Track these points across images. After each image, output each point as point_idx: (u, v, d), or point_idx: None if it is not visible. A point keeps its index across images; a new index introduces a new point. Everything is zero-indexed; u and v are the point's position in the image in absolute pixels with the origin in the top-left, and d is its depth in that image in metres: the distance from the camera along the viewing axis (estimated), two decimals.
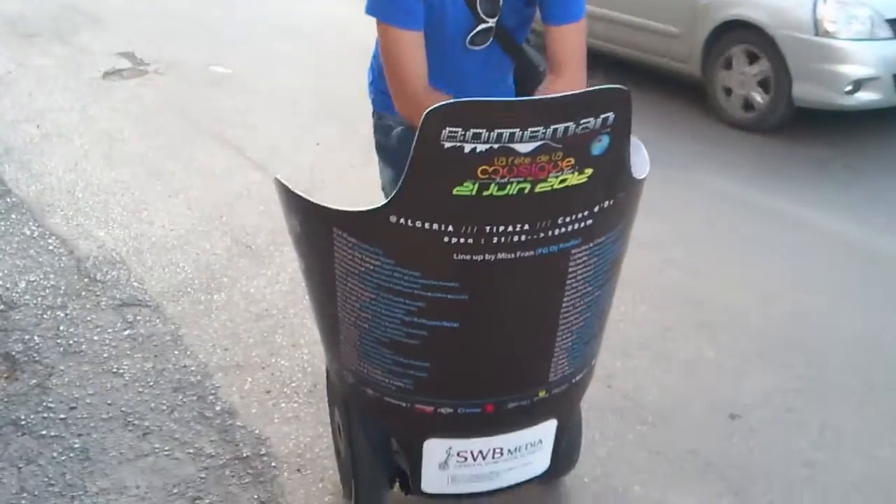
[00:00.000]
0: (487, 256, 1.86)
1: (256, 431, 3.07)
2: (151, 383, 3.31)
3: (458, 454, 2.26)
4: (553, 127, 1.71)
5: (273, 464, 2.92)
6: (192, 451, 2.97)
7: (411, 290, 1.92)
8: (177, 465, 2.90)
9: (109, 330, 3.65)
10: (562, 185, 1.80)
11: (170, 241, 4.42)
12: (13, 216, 4.62)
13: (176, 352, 3.51)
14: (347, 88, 6.50)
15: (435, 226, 1.81)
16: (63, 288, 3.96)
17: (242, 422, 3.11)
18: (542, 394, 2.21)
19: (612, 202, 1.94)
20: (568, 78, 2.29)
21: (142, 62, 7.28)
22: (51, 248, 4.32)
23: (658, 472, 2.94)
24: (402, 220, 1.82)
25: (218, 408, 3.18)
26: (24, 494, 2.76)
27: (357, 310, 2.04)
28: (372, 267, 1.92)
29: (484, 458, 2.27)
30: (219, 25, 8.46)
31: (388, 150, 2.53)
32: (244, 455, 2.95)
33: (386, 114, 2.49)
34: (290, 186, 2.07)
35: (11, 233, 4.44)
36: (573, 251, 1.94)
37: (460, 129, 1.67)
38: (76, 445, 2.98)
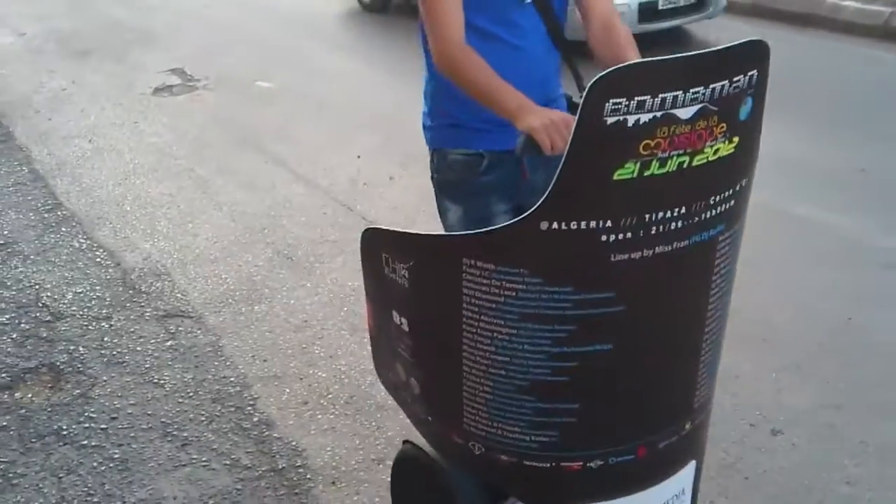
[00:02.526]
0: (646, 252, 1.61)
1: (293, 443, 3.02)
2: (191, 394, 3.28)
3: None
4: (712, 86, 1.51)
5: (308, 476, 2.87)
6: (228, 462, 2.93)
7: (561, 312, 1.65)
8: (214, 475, 2.87)
9: (152, 341, 3.63)
10: (715, 157, 1.58)
11: (213, 253, 4.41)
12: (63, 229, 4.64)
13: (216, 363, 3.48)
14: (386, 99, 6.52)
15: (593, 223, 1.56)
16: (109, 299, 3.95)
17: (279, 433, 3.07)
18: (687, 426, 1.92)
19: (748, 179, 1.72)
20: (620, 27, 2.22)
21: (191, 78, 7.30)
22: (98, 260, 4.32)
23: (700, 489, 2.83)
24: (554, 225, 1.57)
25: (255, 419, 3.14)
26: None
27: (491, 355, 1.75)
28: (513, 293, 1.66)
29: None
30: (266, 39, 8.48)
31: (454, 185, 2.34)
32: (280, 467, 2.90)
33: (448, 148, 2.32)
34: (397, 230, 1.88)
35: (61, 245, 4.46)
36: (720, 239, 1.71)
37: (625, 100, 1.45)
38: (116, 455, 2.96)
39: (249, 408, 3.21)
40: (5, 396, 3.27)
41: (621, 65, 1.51)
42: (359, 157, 5.62)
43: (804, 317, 3.79)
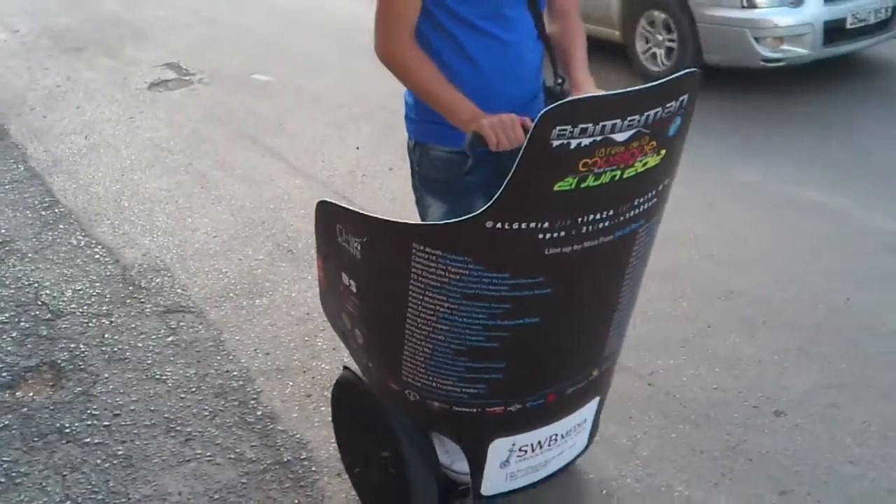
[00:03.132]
0: (575, 247, 1.84)
1: (297, 436, 3.01)
2: (194, 389, 3.26)
3: (519, 449, 2.23)
4: (646, 114, 1.73)
5: (313, 468, 2.86)
6: (233, 456, 2.91)
7: (498, 294, 1.88)
8: (218, 470, 2.85)
9: (153, 336, 3.61)
10: (643, 168, 1.82)
11: (213, 248, 4.39)
12: (61, 226, 4.61)
13: (218, 357, 3.47)
14: (384, 90, 6.47)
15: (532, 224, 1.78)
16: (108, 296, 3.94)
17: (283, 426, 3.06)
18: (595, 373, 2.23)
19: (670, 179, 1.98)
20: (576, 20, 2.37)
21: (186, 72, 7.27)
22: (97, 257, 4.30)
23: (702, 471, 2.83)
24: (498, 225, 1.79)
25: (259, 412, 3.13)
26: (68, 502, 2.73)
27: (432, 323, 1.97)
28: (457, 276, 1.87)
29: (542, 447, 2.27)
30: (260, 32, 8.44)
31: (438, 182, 2.36)
32: (285, 459, 2.89)
33: (432, 144, 2.33)
34: (353, 209, 2.05)
35: (59, 243, 4.44)
36: (639, 231, 1.96)
37: (570, 127, 1.66)
38: (119, 452, 2.94)
39: (253, 401, 3.19)
40: (6, 395, 3.25)
41: (569, 99, 1.80)
42: (357, 148, 5.60)
43: (805, 299, 3.78)
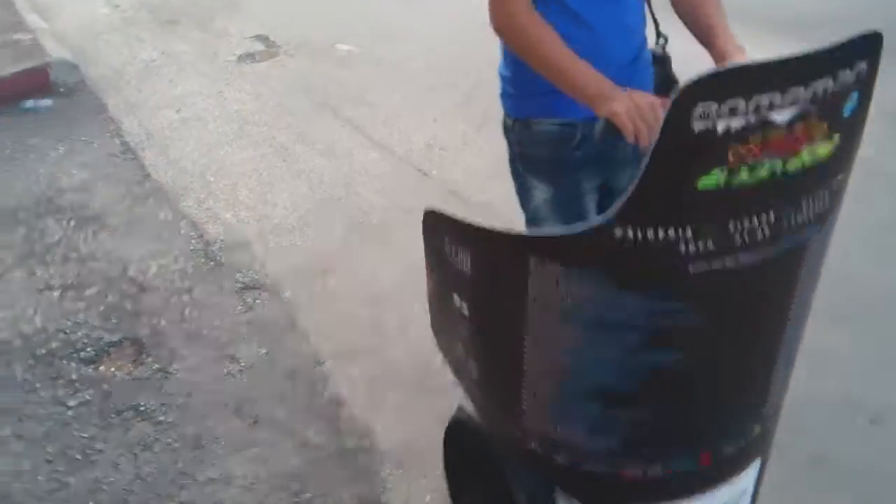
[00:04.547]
0: (728, 263, 1.44)
1: (362, 422, 2.94)
2: (265, 370, 3.21)
3: None
4: (813, 87, 1.34)
5: (377, 457, 2.78)
6: (298, 441, 2.86)
7: (634, 321, 1.51)
8: (282, 455, 2.81)
9: (230, 314, 3.58)
10: (812, 159, 1.41)
11: (291, 223, 4.33)
12: (150, 201, 4.61)
13: (290, 337, 3.41)
14: (464, 59, 6.32)
15: (671, 233, 1.40)
16: (191, 271, 3.92)
17: (349, 412, 2.99)
18: (757, 430, 1.79)
19: (846, 174, 1.54)
20: None
21: (273, 44, 7.20)
22: (182, 231, 4.29)
23: (784, 480, 2.62)
24: (629, 234, 1.41)
25: (326, 396, 3.07)
26: (138, 481, 2.72)
27: (555, 356, 1.62)
28: (584, 298, 1.52)
29: None
30: (346, 2, 8.31)
31: (543, 160, 2.07)
32: (348, 447, 2.83)
33: (535, 118, 2.04)
34: (460, 219, 1.69)
35: (148, 217, 4.44)
36: (809, 242, 1.53)
37: (715, 104, 1.30)
38: (190, 433, 2.92)
39: (320, 385, 3.13)
40: (90, 370, 3.25)
41: (713, 69, 1.32)
42: (435, 120, 5.46)
43: None
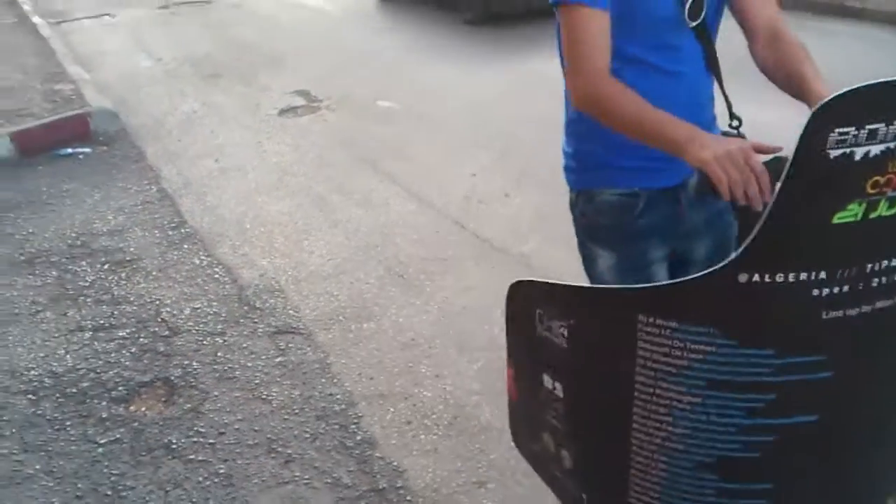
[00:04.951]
0: (864, 308, 1.33)
1: (394, 463, 2.95)
2: (297, 411, 3.25)
3: None
4: None
5: (409, 497, 2.80)
6: (330, 480, 2.88)
7: (758, 379, 1.38)
8: (314, 494, 2.82)
9: (263, 357, 3.63)
10: None
11: (326, 270, 4.40)
12: (185, 246, 4.72)
13: (323, 380, 3.45)
14: (503, 116, 6.44)
15: (804, 275, 1.29)
16: (224, 315, 3.98)
17: (381, 452, 3.01)
18: (890, 501, 1.67)
19: None
20: (790, 35, 1.93)
21: (315, 99, 7.39)
22: (216, 276, 4.37)
23: None
24: (756, 277, 1.30)
25: (359, 437, 3.09)
26: None
27: (667, 427, 1.48)
28: (700, 357, 1.39)
29: None
30: (390, 58, 8.51)
31: (605, 228, 2.08)
32: (380, 487, 2.84)
33: (597, 189, 2.05)
34: (556, 282, 1.61)
35: (182, 262, 4.53)
36: None
37: (853, 129, 1.20)
38: (221, 471, 2.94)
39: (353, 426, 3.15)
40: (121, 409, 3.31)
41: (856, 86, 1.23)
42: (474, 175, 5.55)
43: None
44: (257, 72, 8.25)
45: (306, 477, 2.90)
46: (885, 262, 1.31)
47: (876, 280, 1.32)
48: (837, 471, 1.52)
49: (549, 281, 1.63)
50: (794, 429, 1.41)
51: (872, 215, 1.26)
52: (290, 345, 3.72)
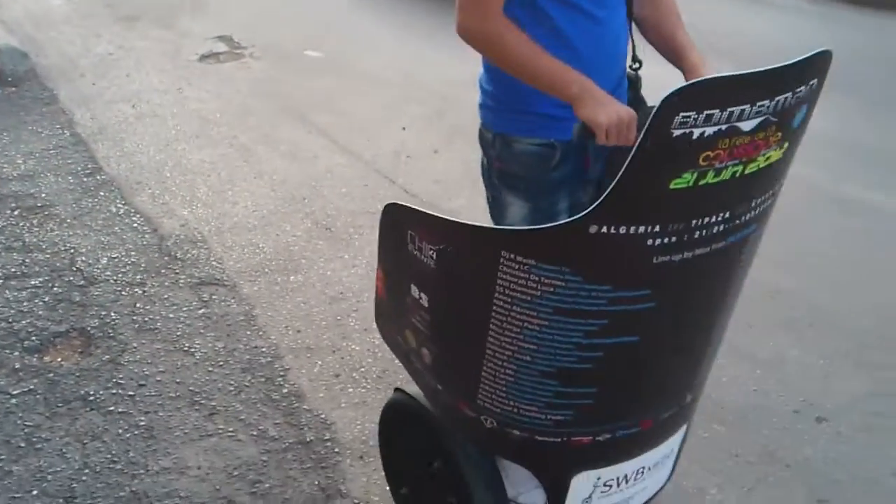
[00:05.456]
0: (686, 254, 1.63)
1: (322, 416, 2.98)
2: (221, 363, 3.24)
3: (604, 484, 2.01)
4: (777, 99, 1.52)
5: (336, 449, 2.83)
6: (255, 433, 2.89)
7: (597, 308, 1.66)
8: (240, 446, 2.83)
9: (185, 308, 3.60)
10: (766, 163, 1.60)
11: (251, 222, 4.37)
12: (102, 193, 4.63)
13: (248, 332, 3.45)
14: (436, 74, 6.44)
15: (642, 228, 1.56)
16: (143, 265, 3.94)
17: (309, 405, 3.03)
18: (688, 398, 2.03)
19: (784, 178, 1.75)
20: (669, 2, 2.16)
21: (239, 45, 7.28)
22: (135, 225, 4.31)
23: (736, 475, 2.75)
24: (604, 229, 1.56)
25: (285, 390, 3.10)
26: (87, 470, 2.73)
27: (518, 342, 1.76)
28: (551, 289, 1.65)
29: (627, 481, 2.04)
30: (318, 9, 8.41)
31: (521, 178, 2.14)
32: (308, 439, 2.86)
33: (516, 136, 2.11)
34: (430, 213, 1.80)
35: (98, 209, 4.45)
36: (749, 237, 1.74)
37: (694, 113, 1.45)
38: (142, 423, 2.93)
39: (280, 379, 3.16)
40: (34, 360, 3.26)
41: (697, 80, 1.49)
42: (404, 129, 5.56)
43: (855, 302, 3.66)
44: (177, 15, 8.07)
45: (231, 430, 2.91)
46: (705, 219, 1.60)
47: (697, 233, 1.61)
48: (649, 378, 1.87)
49: (424, 210, 1.83)
50: (621, 346, 1.73)
51: (701, 182, 1.53)
52: (213, 296, 3.70)
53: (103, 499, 2.63)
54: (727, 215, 1.62)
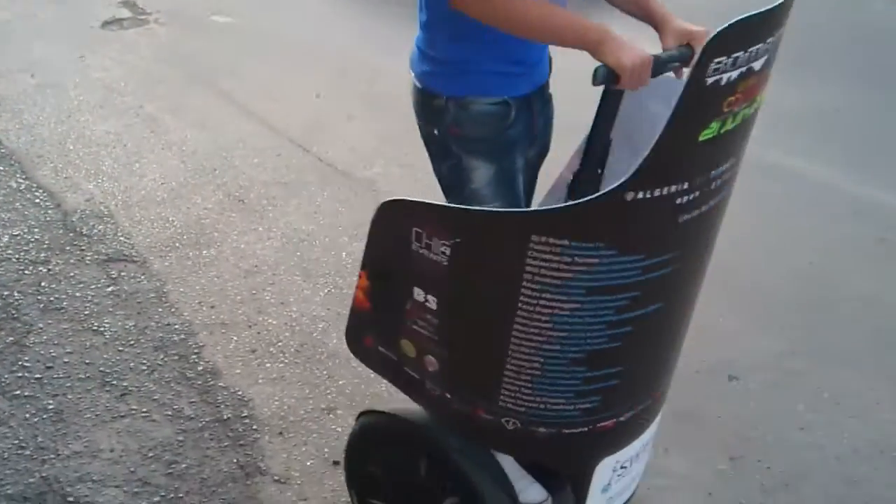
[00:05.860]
0: (703, 208, 1.56)
1: (239, 392, 2.96)
2: (132, 342, 3.20)
3: (620, 467, 1.95)
4: (775, 34, 1.47)
5: (254, 426, 2.82)
6: (170, 412, 2.86)
7: (629, 280, 1.58)
8: (154, 427, 2.80)
9: (92, 286, 3.53)
10: (758, 105, 1.56)
11: (160, 195, 4.30)
12: (1, 168, 4.50)
13: (160, 309, 3.40)
14: (347, 36, 6.38)
15: (673, 188, 1.49)
16: (47, 242, 3.84)
17: (225, 382, 3.01)
18: (676, 363, 1.99)
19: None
20: None
21: (142, 11, 7.11)
22: (37, 201, 4.20)
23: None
24: (640, 195, 1.47)
25: (200, 368, 3.08)
26: None
27: (546, 332, 1.64)
28: (584, 269, 1.55)
29: (633, 461, 2.00)
30: None
31: (481, 140, 2.11)
32: (225, 417, 2.85)
33: (472, 97, 2.07)
34: (440, 204, 1.70)
35: None
36: (733, 185, 1.69)
37: (725, 58, 1.37)
38: (50, 406, 2.87)
39: (194, 356, 3.13)
40: None
41: (732, 22, 1.38)
42: (317, 96, 5.51)
43: (767, 263, 3.79)
44: None
45: (144, 410, 2.87)
46: (721, 168, 1.55)
47: (713, 183, 1.55)
48: (671, 344, 1.83)
49: (433, 202, 1.70)
50: (647, 317, 1.65)
51: (723, 130, 1.47)
52: (122, 273, 3.64)
53: (12, 485, 2.58)
54: (733, 161, 1.59)
